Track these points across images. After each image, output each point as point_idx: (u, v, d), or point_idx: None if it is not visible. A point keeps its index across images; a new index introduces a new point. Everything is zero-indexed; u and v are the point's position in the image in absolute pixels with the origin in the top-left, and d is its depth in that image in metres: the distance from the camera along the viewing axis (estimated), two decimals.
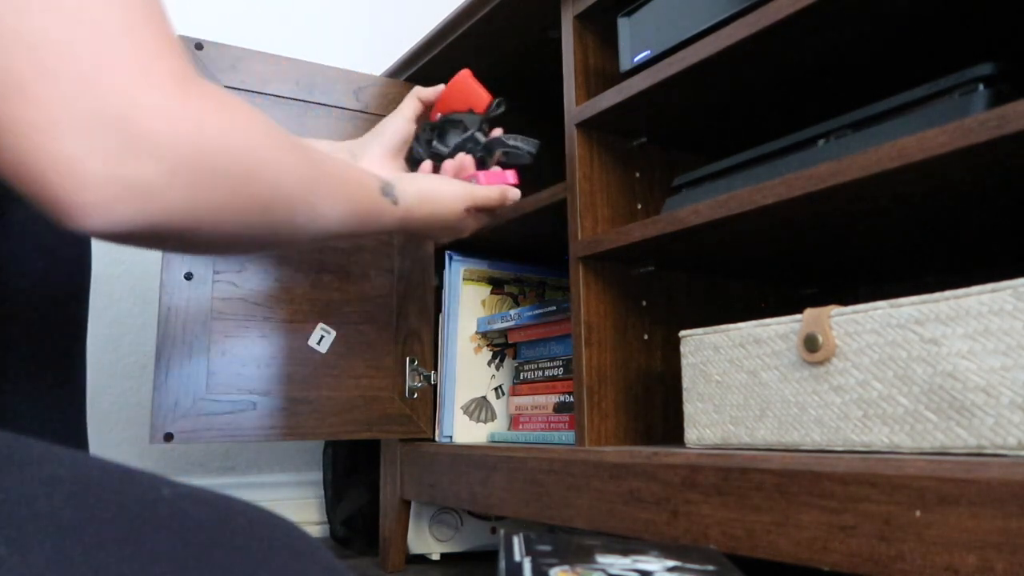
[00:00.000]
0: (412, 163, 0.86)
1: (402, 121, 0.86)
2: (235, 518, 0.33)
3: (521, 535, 0.47)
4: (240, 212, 0.40)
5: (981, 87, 0.54)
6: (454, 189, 0.73)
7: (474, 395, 1.09)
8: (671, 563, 0.44)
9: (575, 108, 0.85)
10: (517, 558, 0.42)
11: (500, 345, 1.12)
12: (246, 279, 0.96)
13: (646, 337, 0.87)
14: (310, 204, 0.46)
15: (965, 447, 0.50)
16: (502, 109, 0.87)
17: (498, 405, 1.11)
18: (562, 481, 0.76)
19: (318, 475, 1.34)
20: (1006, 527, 0.43)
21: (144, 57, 0.35)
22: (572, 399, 0.95)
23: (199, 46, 0.96)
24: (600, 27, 0.89)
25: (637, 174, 0.89)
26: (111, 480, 0.31)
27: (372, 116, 1.08)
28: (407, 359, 1.06)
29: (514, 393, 1.07)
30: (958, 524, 0.45)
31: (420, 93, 0.88)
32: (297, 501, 1.36)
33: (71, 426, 0.65)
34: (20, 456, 0.30)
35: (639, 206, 0.88)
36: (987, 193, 0.61)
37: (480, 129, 0.84)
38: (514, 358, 1.11)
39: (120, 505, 0.30)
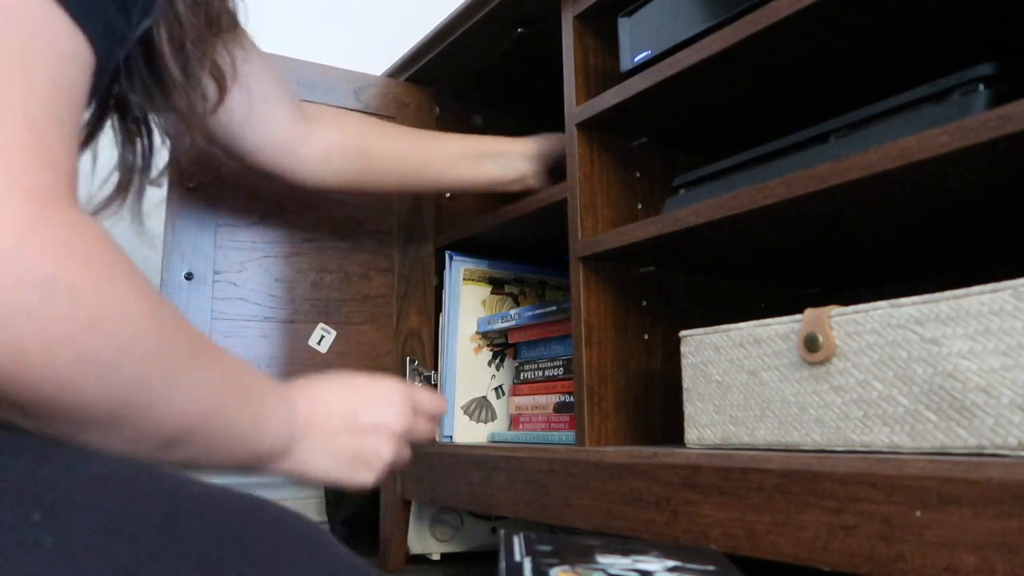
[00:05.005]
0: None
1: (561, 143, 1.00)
2: (262, 513, 0.35)
3: (521, 535, 0.47)
4: (75, 367, 0.33)
5: (982, 87, 0.54)
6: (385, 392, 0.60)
7: (474, 395, 1.09)
8: (671, 563, 0.44)
9: (575, 108, 0.85)
10: (517, 558, 0.42)
11: (500, 345, 1.12)
12: (246, 279, 0.96)
13: (646, 337, 0.87)
14: (172, 369, 0.39)
15: (965, 447, 0.50)
16: None
17: (498, 405, 1.11)
18: (562, 481, 0.76)
19: None
20: (1006, 527, 0.43)
21: None
22: (572, 399, 0.95)
23: None
24: (600, 27, 0.89)
25: (637, 174, 0.89)
26: (145, 477, 0.33)
27: (373, 116, 1.09)
28: (407, 359, 1.06)
29: (514, 393, 1.07)
30: (958, 524, 0.45)
31: None
32: (297, 501, 1.36)
33: None
34: (61, 457, 0.31)
35: (639, 206, 0.88)
36: (987, 193, 0.61)
37: None
38: (514, 358, 1.11)
39: (156, 500, 0.31)
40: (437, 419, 0.65)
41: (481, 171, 0.96)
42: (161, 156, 0.55)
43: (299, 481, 0.55)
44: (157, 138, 0.52)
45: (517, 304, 1.15)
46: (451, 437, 1.05)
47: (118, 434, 0.37)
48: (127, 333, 0.35)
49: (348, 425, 0.56)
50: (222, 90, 0.61)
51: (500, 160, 0.97)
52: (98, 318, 0.33)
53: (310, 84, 1.03)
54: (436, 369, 1.09)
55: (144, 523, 0.30)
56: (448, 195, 1.16)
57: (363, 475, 0.57)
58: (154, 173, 0.55)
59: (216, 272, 0.94)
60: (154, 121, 0.51)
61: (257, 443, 0.48)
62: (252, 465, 0.49)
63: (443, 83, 1.16)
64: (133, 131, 0.51)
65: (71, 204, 0.34)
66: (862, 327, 0.57)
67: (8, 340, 0.30)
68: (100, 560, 0.28)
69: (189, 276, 0.92)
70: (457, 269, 1.11)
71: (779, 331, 0.63)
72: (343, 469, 0.56)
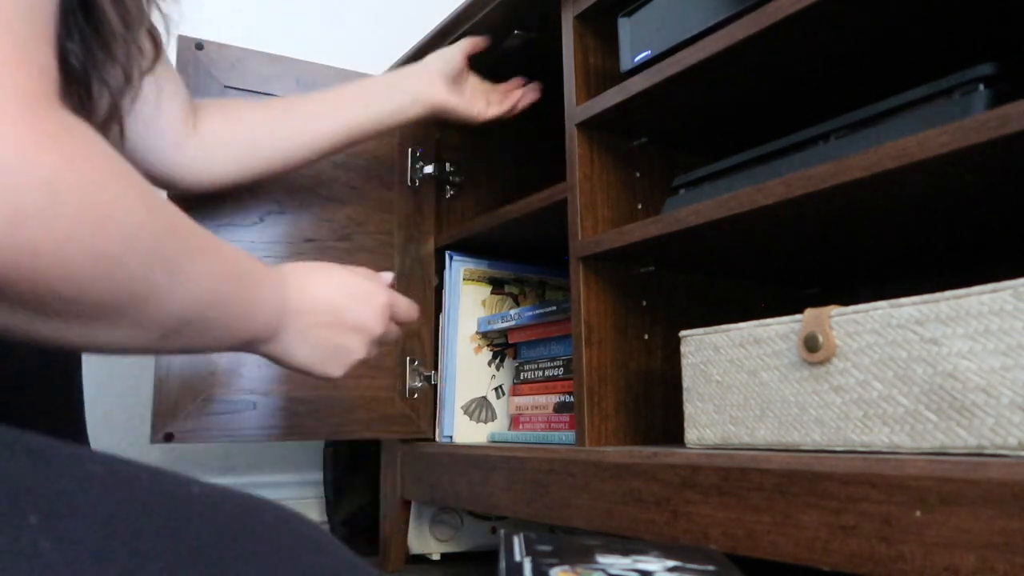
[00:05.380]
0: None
1: (459, 53, 0.97)
2: (262, 514, 0.34)
3: (521, 535, 0.47)
4: (86, 263, 0.34)
5: (982, 87, 0.54)
6: (369, 288, 0.64)
7: (474, 395, 1.09)
8: (671, 563, 0.44)
9: (575, 108, 0.85)
10: (517, 558, 0.42)
11: (500, 345, 1.12)
12: None
13: (646, 337, 0.87)
14: (172, 261, 0.40)
15: (965, 447, 0.50)
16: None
17: (498, 405, 1.11)
18: (562, 481, 0.76)
19: (318, 475, 1.34)
20: (1006, 527, 0.43)
21: None
22: (572, 399, 0.95)
23: (199, 46, 0.96)
24: (600, 27, 0.89)
25: (637, 174, 0.89)
26: (143, 477, 0.32)
27: None
28: (407, 359, 1.06)
29: (514, 393, 1.07)
30: (958, 524, 0.45)
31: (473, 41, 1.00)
32: (297, 501, 1.36)
33: (73, 428, 0.65)
34: (56, 455, 0.31)
35: (639, 206, 0.88)
36: (987, 193, 0.61)
37: None
38: (514, 358, 1.11)
39: (155, 500, 0.31)
40: (407, 325, 0.70)
41: (372, 107, 0.90)
42: (101, 107, 0.55)
43: (273, 362, 0.59)
44: (95, 90, 0.52)
45: (517, 304, 1.15)
46: (451, 437, 1.05)
47: (121, 328, 0.39)
48: (131, 227, 0.37)
49: (333, 321, 0.60)
50: (157, 48, 0.61)
51: (389, 90, 0.92)
52: (104, 214, 0.35)
53: (310, 84, 1.03)
54: (436, 369, 1.09)
55: (143, 524, 0.29)
56: (449, 195, 1.16)
57: (334, 368, 0.61)
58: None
59: None
60: (91, 74, 0.51)
61: (248, 329, 0.51)
62: (238, 348, 0.53)
63: None
64: (71, 81, 0.51)
65: (62, 109, 0.35)
66: (862, 327, 0.57)
67: (22, 241, 0.31)
68: (99, 563, 0.27)
69: None
70: (457, 269, 1.11)
71: (779, 331, 0.63)
72: (318, 360, 0.60)
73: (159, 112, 0.75)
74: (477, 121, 1.00)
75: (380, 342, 0.66)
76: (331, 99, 0.89)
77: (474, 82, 1.01)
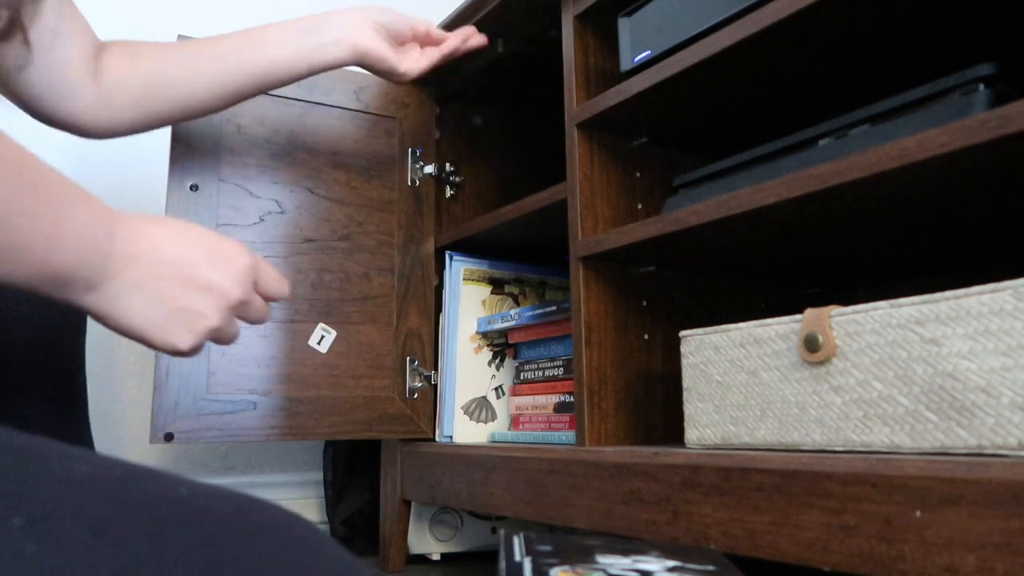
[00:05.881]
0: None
1: (414, 24, 0.91)
2: (255, 515, 0.34)
3: (521, 535, 0.47)
4: None
5: (982, 87, 0.54)
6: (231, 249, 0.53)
7: (474, 395, 1.09)
8: (671, 563, 0.44)
9: (575, 108, 0.85)
10: (517, 558, 0.42)
11: (500, 345, 1.12)
12: None
13: (646, 337, 0.87)
14: None
15: (965, 447, 0.50)
16: None
17: (498, 405, 1.11)
18: (562, 481, 0.76)
19: (318, 475, 1.34)
20: (1006, 527, 0.43)
21: None
22: (572, 399, 0.95)
23: None
24: (600, 27, 0.89)
25: (637, 174, 0.89)
26: (133, 478, 0.31)
27: (373, 116, 1.09)
28: (407, 359, 1.06)
29: (514, 393, 1.07)
30: (958, 524, 0.45)
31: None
32: (297, 501, 1.36)
33: (77, 432, 0.66)
34: (44, 455, 0.30)
35: (639, 206, 0.88)
36: (988, 193, 0.61)
37: None
38: (514, 358, 1.11)
39: (144, 502, 0.30)
40: (274, 300, 0.58)
41: (288, 45, 0.82)
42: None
43: (105, 325, 0.48)
44: None
45: (517, 304, 1.15)
46: (451, 437, 1.05)
47: None
48: None
49: (179, 276, 0.49)
50: None
51: (311, 28, 0.83)
52: None
53: (310, 84, 1.03)
54: (436, 369, 1.09)
55: (133, 528, 0.29)
56: (449, 195, 1.16)
57: (181, 337, 0.50)
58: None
59: None
60: None
61: (50, 261, 0.42)
62: (43, 287, 0.43)
63: (443, 83, 1.16)
64: None
65: None
66: (862, 327, 0.57)
67: None
68: (87, 568, 0.26)
69: None
70: (457, 269, 1.11)
71: (779, 331, 0.63)
72: (159, 324, 0.49)
73: (57, 52, 0.69)
74: (405, 78, 0.90)
75: (242, 315, 0.55)
76: (244, 37, 0.81)
77: (415, 51, 0.93)
